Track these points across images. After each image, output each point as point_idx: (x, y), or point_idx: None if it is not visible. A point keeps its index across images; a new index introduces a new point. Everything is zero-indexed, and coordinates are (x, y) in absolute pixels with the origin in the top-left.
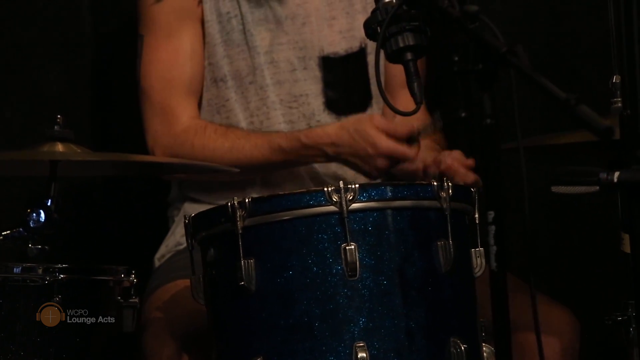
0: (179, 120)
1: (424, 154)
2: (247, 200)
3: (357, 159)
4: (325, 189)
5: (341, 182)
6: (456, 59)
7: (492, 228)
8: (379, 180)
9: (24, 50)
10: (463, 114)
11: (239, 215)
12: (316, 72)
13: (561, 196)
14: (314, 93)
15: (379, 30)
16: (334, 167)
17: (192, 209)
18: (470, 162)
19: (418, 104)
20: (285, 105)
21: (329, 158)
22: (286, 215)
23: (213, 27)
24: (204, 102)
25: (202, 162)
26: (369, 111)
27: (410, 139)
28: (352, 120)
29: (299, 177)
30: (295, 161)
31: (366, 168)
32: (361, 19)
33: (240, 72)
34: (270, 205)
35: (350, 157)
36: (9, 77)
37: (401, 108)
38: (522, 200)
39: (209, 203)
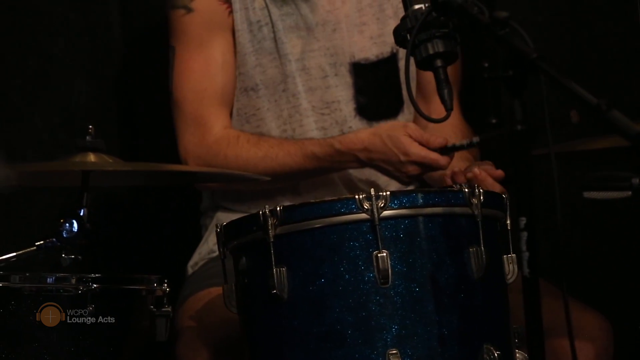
0: (212, 130)
1: (454, 161)
2: (278, 208)
3: (388, 165)
4: (357, 196)
5: (372, 190)
6: (486, 65)
7: (524, 234)
8: (411, 187)
9: (54, 61)
10: (494, 121)
11: (271, 224)
12: (347, 78)
13: (593, 202)
14: (346, 99)
15: (408, 38)
16: (367, 173)
17: (225, 217)
18: (500, 173)
19: (448, 110)
20: (318, 112)
21: (361, 164)
22: (318, 223)
23: (244, 37)
24: (234, 112)
25: (235, 171)
26: (400, 116)
27: (443, 150)
28: (385, 126)
29: (332, 183)
30: (328, 167)
31: (397, 175)
32: (392, 24)
33: (272, 80)
34: (302, 213)
35: (382, 163)
36: (39, 89)
37: (435, 113)
38: (554, 206)
39: (241, 212)
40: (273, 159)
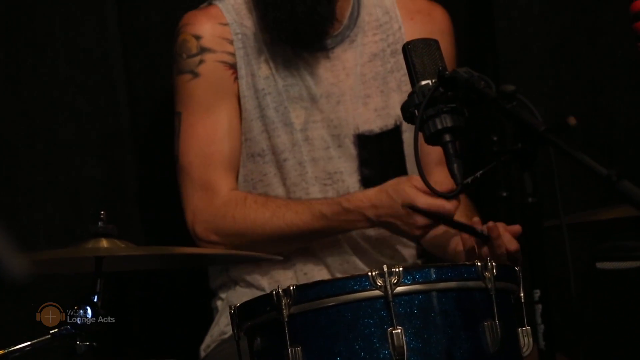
0: (219, 194)
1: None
2: (291, 287)
3: (397, 219)
4: (370, 273)
5: (385, 266)
6: (495, 138)
7: (539, 307)
8: (414, 246)
9: (63, 147)
10: (504, 194)
11: (284, 303)
12: (351, 150)
13: (607, 272)
14: (349, 171)
15: (416, 114)
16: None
17: (235, 296)
18: (517, 228)
19: (458, 185)
20: (321, 183)
21: (370, 222)
22: (331, 302)
23: (250, 103)
24: (241, 178)
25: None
26: None
27: (448, 195)
28: (390, 182)
29: (338, 244)
30: (336, 227)
31: (406, 228)
32: (395, 97)
33: (278, 147)
34: (315, 291)
35: (391, 219)
36: (49, 175)
37: (437, 185)
38: (568, 278)
39: (252, 285)
40: (280, 219)
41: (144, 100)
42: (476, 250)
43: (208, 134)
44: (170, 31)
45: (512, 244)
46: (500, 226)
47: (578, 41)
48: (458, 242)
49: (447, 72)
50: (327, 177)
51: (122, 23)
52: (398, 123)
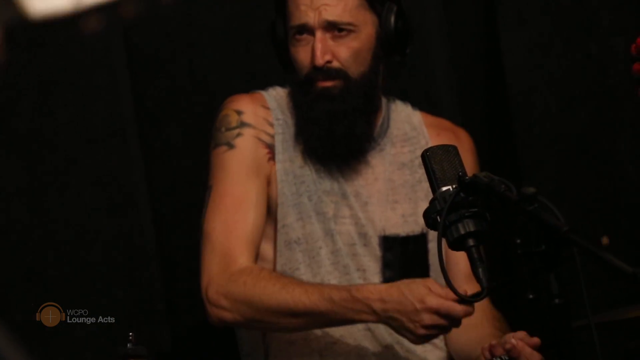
0: (237, 261)
1: (486, 340)
2: None
3: (402, 315)
4: None
5: None
6: (518, 241)
7: None
8: (444, 348)
9: (90, 269)
10: (530, 296)
11: None
12: (376, 251)
13: None
14: (372, 270)
15: (438, 220)
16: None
17: None
18: (536, 340)
19: (484, 289)
20: (344, 275)
21: (375, 315)
22: None
23: (288, 189)
24: (278, 268)
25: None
26: None
27: (461, 302)
28: (404, 280)
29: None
30: (341, 314)
31: (411, 326)
32: (423, 206)
33: (311, 236)
34: None
35: (396, 314)
36: (77, 298)
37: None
38: None
39: None
40: (289, 293)
41: (168, 218)
42: None
43: (234, 203)
44: (191, 149)
45: (534, 357)
46: (519, 341)
47: (597, 139)
48: (484, 352)
49: (467, 177)
50: (352, 273)
51: (143, 143)
52: (425, 231)
